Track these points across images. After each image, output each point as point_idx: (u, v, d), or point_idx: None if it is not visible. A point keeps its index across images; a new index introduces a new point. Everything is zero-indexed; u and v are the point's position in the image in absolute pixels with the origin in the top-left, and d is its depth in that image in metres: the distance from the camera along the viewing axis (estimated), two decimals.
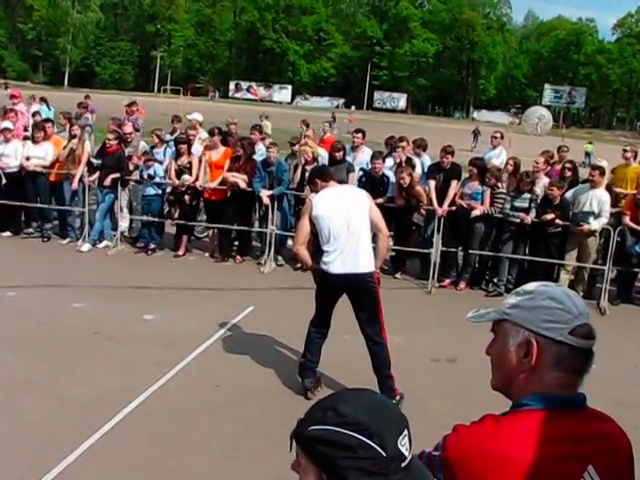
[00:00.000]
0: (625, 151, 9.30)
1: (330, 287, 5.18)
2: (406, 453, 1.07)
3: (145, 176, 9.39)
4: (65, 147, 9.70)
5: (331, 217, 5.04)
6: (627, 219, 8.37)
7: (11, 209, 9.77)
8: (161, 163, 9.59)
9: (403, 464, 1.07)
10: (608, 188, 8.65)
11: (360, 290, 5.10)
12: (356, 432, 1.05)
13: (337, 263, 5.02)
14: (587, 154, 28.68)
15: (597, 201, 8.14)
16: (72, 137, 9.72)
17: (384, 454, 1.05)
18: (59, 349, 5.93)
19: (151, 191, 9.47)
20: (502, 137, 10.71)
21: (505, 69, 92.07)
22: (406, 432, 1.09)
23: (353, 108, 77.47)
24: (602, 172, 8.35)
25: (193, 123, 10.68)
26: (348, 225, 5.02)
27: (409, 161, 9.27)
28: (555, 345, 1.40)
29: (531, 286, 1.48)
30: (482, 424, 1.41)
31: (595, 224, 8.15)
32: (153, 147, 9.95)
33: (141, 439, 4.49)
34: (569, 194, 8.63)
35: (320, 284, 5.28)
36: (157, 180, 9.42)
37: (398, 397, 5.10)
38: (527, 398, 1.41)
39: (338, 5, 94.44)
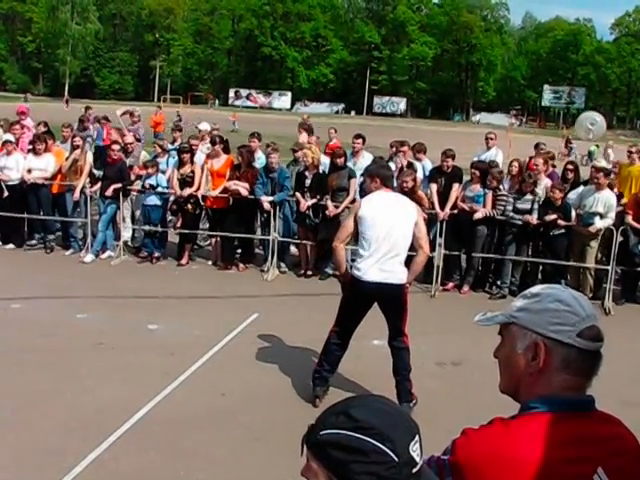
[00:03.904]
0: (630, 152, 9.26)
1: (361, 295, 5.04)
2: (417, 459, 1.07)
3: (147, 185, 9.40)
4: (67, 158, 9.72)
5: (374, 221, 4.92)
6: (630, 218, 8.35)
7: (14, 221, 9.79)
8: (164, 173, 9.61)
9: (414, 470, 1.06)
10: (609, 187, 8.64)
11: (390, 300, 5.03)
12: (369, 437, 1.05)
13: (373, 271, 4.89)
14: (590, 153, 28.87)
15: (604, 203, 8.12)
16: (74, 148, 9.74)
17: (396, 459, 1.04)
18: (64, 360, 5.93)
19: (151, 200, 9.47)
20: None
21: (504, 71, 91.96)
22: (417, 438, 1.09)
23: (353, 114, 77.72)
24: (607, 173, 8.34)
25: (202, 134, 10.70)
26: (390, 233, 4.90)
27: (410, 166, 9.26)
28: (563, 348, 1.40)
29: (538, 289, 1.48)
30: (491, 427, 1.40)
31: (600, 224, 8.13)
32: (156, 157, 9.97)
33: (148, 448, 4.48)
34: (572, 195, 8.62)
35: (351, 291, 5.11)
36: (160, 190, 9.43)
37: (414, 401, 5.11)
38: (536, 401, 1.41)
39: (336, 11, 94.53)
